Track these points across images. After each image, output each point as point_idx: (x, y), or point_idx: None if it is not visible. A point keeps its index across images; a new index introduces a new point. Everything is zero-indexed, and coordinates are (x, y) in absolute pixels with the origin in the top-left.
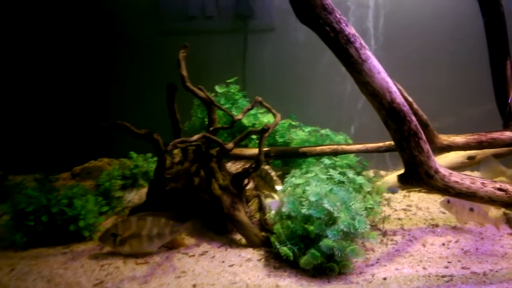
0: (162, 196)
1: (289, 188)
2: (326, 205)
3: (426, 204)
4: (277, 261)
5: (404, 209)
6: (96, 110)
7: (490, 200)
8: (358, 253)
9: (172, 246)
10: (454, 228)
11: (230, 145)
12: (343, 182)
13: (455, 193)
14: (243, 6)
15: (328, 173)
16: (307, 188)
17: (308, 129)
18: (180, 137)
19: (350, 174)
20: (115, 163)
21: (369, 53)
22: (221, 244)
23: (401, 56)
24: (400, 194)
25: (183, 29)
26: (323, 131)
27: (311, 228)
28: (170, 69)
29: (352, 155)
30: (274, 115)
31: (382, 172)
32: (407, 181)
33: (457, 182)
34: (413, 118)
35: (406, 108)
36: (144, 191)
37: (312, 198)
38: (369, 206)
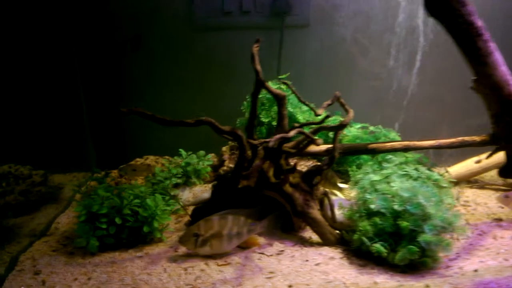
0: (229, 194)
1: (367, 185)
2: (422, 201)
3: (483, 199)
4: (359, 259)
5: (463, 205)
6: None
7: None
8: (448, 248)
9: (245, 246)
10: None
11: (319, 141)
12: (419, 178)
13: None
14: (280, 1)
15: (403, 170)
16: (392, 184)
17: (358, 125)
18: (253, 133)
19: (424, 170)
20: (163, 161)
21: (494, 45)
22: (293, 242)
23: (451, 54)
24: (455, 190)
25: (218, 24)
26: (371, 128)
27: (405, 224)
28: (205, 65)
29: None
30: (347, 111)
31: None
32: (509, 175)
33: None
34: None
35: None
36: (197, 189)
37: (405, 194)
38: (449, 201)
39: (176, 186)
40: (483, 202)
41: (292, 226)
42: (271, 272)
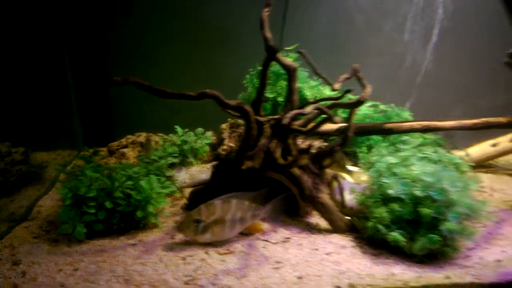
0: (232, 176)
1: (383, 168)
2: (447, 186)
3: (499, 185)
4: (372, 248)
5: (479, 190)
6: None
7: None
8: (471, 236)
9: (248, 232)
10: None
11: (338, 118)
12: (439, 161)
13: None
14: None
15: (423, 152)
16: (413, 168)
17: (368, 104)
18: (259, 107)
19: (443, 152)
20: (157, 138)
21: None
22: (299, 229)
23: (472, 27)
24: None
25: None
26: (382, 107)
27: (427, 211)
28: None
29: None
30: (364, 87)
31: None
32: None
33: None
34: None
35: None
36: (194, 169)
37: (429, 179)
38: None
39: (172, 166)
40: (500, 188)
41: (298, 211)
42: (278, 262)
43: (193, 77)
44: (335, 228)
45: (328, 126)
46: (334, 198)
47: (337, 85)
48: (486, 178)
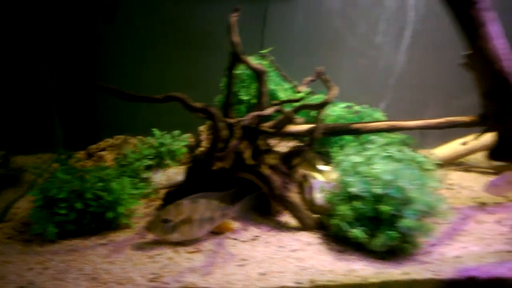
0: (204, 176)
1: (348, 167)
2: (404, 184)
3: (468, 182)
4: (338, 244)
5: (448, 188)
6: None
7: None
8: (429, 233)
9: (218, 231)
10: (502, 205)
11: (299, 119)
12: (403, 160)
13: None
14: None
15: (387, 151)
16: (374, 166)
17: (342, 105)
18: (229, 111)
19: (408, 151)
20: (135, 141)
21: (490, 15)
22: (269, 227)
23: (443, 29)
24: (440, 172)
25: None
26: (356, 107)
27: (386, 208)
28: (185, 38)
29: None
30: (330, 89)
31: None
32: (501, 156)
33: None
34: None
35: None
36: (171, 171)
37: (387, 177)
38: (434, 184)
39: (149, 168)
40: (468, 185)
41: (270, 210)
42: (244, 260)
43: (176, 80)
44: (304, 226)
45: (299, 127)
46: (306, 197)
47: (301, 88)
48: (456, 176)
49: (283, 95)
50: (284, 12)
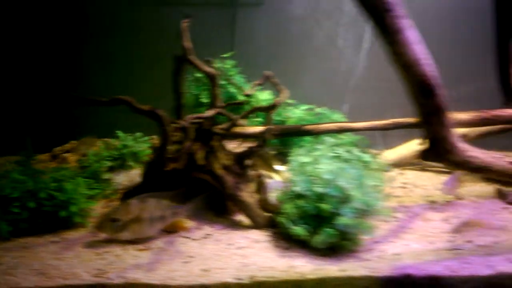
0: (160, 177)
1: (296, 167)
2: (342, 183)
3: (422, 181)
4: (286, 242)
5: (401, 187)
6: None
7: (504, 174)
8: (369, 230)
9: (172, 230)
10: (451, 203)
11: (242, 121)
12: (350, 160)
13: (474, 167)
14: None
15: (335, 151)
16: (318, 166)
17: (304, 107)
18: (181, 112)
19: (356, 152)
20: (99, 143)
21: (406, 22)
22: (223, 226)
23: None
24: (396, 171)
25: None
26: (318, 110)
27: (326, 206)
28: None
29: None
30: (280, 92)
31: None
32: (430, 157)
33: (475, 156)
34: (442, 92)
35: (436, 81)
36: (134, 172)
37: (327, 176)
38: (376, 183)
39: (112, 169)
40: (422, 184)
41: (226, 210)
42: (191, 257)
43: (149, 86)
44: (256, 225)
45: (253, 129)
46: (260, 196)
47: (249, 91)
48: (412, 175)
49: (243, 97)
50: (253, 16)
